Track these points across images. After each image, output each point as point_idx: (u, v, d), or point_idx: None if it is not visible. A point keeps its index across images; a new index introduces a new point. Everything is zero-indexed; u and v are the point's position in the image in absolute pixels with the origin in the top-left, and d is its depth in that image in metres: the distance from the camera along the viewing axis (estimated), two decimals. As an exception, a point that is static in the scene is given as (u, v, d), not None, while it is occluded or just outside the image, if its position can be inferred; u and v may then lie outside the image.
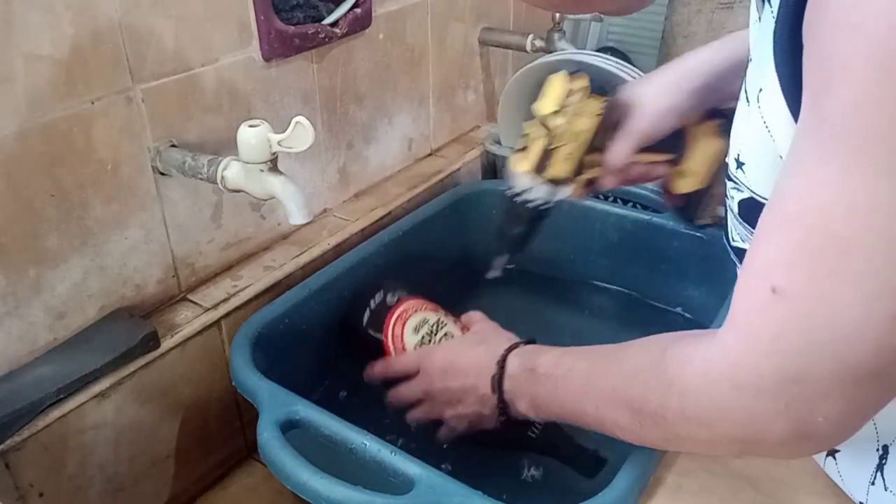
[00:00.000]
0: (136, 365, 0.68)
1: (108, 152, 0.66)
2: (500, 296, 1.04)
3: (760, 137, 0.44)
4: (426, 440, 0.72)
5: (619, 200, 1.02)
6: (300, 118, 0.61)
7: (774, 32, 0.39)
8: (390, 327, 0.76)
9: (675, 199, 0.77)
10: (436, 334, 0.76)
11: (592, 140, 0.68)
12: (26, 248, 0.62)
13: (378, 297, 0.79)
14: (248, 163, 0.63)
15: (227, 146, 0.75)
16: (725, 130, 0.72)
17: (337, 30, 0.83)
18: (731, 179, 0.50)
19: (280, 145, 0.62)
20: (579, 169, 0.70)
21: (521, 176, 0.70)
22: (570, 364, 0.59)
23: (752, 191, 0.47)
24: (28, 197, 0.61)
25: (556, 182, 0.69)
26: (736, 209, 0.49)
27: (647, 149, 0.71)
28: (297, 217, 0.64)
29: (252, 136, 0.62)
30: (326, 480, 0.54)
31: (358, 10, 0.85)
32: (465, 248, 1.01)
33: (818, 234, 0.35)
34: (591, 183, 0.73)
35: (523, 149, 0.70)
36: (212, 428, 0.78)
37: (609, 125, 0.68)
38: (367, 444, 0.58)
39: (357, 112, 0.93)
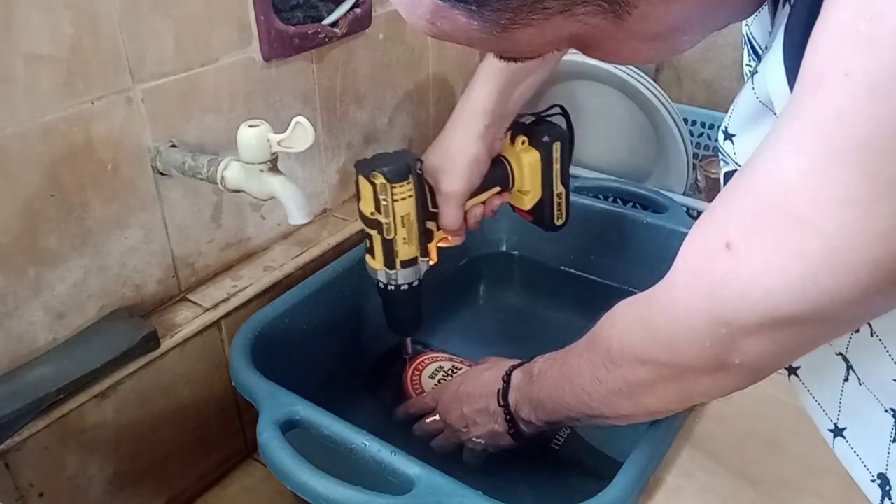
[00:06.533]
0: (136, 365, 0.68)
1: (108, 152, 0.66)
2: (500, 295, 1.04)
3: (754, 112, 0.47)
4: (425, 443, 0.73)
5: (619, 200, 1.02)
6: (300, 118, 0.61)
7: (788, 19, 0.41)
8: (409, 376, 0.80)
9: (525, 214, 0.82)
10: (451, 377, 0.79)
11: (421, 214, 0.72)
12: (26, 248, 0.62)
13: (398, 352, 0.84)
14: (248, 163, 0.63)
15: (227, 146, 0.75)
16: (535, 140, 0.77)
17: (337, 30, 0.83)
18: (718, 151, 0.53)
19: (280, 145, 0.62)
20: (428, 237, 0.74)
21: (379, 272, 0.74)
22: (555, 357, 0.63)
23: (737, 164, 0.49)
24: (28, 197, 0.61)
25: (410, 263, 0.73)
26: (722, 181, 0.52)
27: (473, 192, 0.75)
28: (297, 217, 0.64)
29: (252, 136, 0.62)
30: (326, 480, 0.54)
31: (358, 10, 0.85)
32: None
33: (778, 212, 0.38)
34: (444, 241, 0.77)
35: (370, 248, 0.74)
36: (212, 428, 0.78)
37: (426, 197, 0.72)
38: (367, 444, 0.58)
39: (357, 112, 0.93)
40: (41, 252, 0.63)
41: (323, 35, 0.81)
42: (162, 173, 0.70)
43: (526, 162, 0.78)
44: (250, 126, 0.63)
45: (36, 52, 0.58)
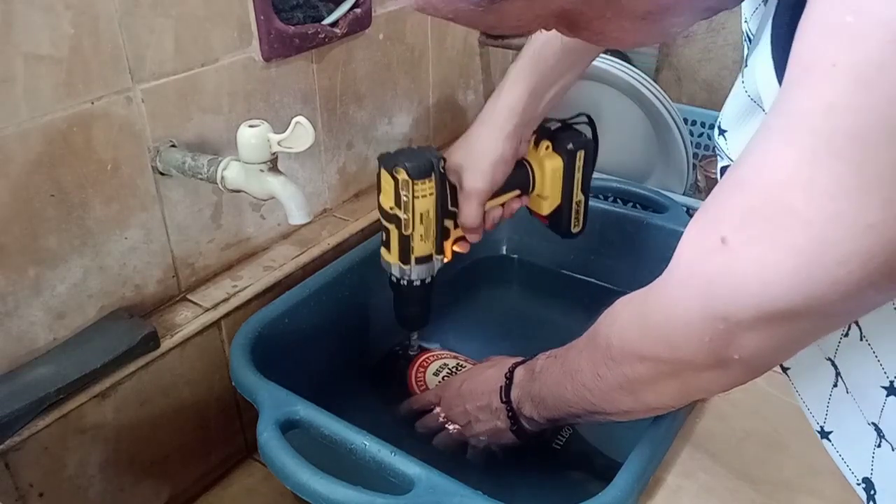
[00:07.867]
0: (136, 365, 0.68)
1: (108, 152, 0.66)
2: (500, 298, 1.04)
3: (744, 108, 0.47)
4: (427, 440, 0.73)
5: (619, 200, 1.02)
6: (300, 118, 0.61)
7: (775, 13, 0.41)
8: (413, 373, 0.81)
9: (542, 218, 0.82)
10: (455, 374, 0.80)
11: (440, 213, 0.72)
12: (26, 248, 0.62)
13: (403, 349, 0.85)
14: (247, 163, 0.63)
15: (227, 146, 0.75)
16: (559, 146, 0.77)
17: (337, 30, 0.83)
18: (715, 148, 0.53)
19: (280, 145, 0.62)
20: (445, 235, 0.74)
21: (393, 266, 0.75)
22: (556, 354, 0.63)
23: (730, 159, 0.50)
24: (28, 197, 0.61)
25: (424, 259, 0.74)
26: (719, 176, 0.52)
27: (494, 193, 0.75)
28: (297, 217, 0.64)
29: (252, 136, 0.62)
30: (326, 480, 0.54)
31: (358, 10, 0.85)
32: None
33: (770, 206, 0.38)
34: (459, 241, 0.77)
35: (386, 241, 0.74)
36: (212, 428, 0.78)
37: (447, 196, 0.72)
38: (367, 444, 0.58)
39: (357, 112, 0.93)
40: (41, 252, 0.63)
41: (323, 35, 0.81)
42: (162, 173, 0.71)
43: (548, 167, 0.77)
44: (250, 126, 0.63)
45: (36, 52, 0.58)
